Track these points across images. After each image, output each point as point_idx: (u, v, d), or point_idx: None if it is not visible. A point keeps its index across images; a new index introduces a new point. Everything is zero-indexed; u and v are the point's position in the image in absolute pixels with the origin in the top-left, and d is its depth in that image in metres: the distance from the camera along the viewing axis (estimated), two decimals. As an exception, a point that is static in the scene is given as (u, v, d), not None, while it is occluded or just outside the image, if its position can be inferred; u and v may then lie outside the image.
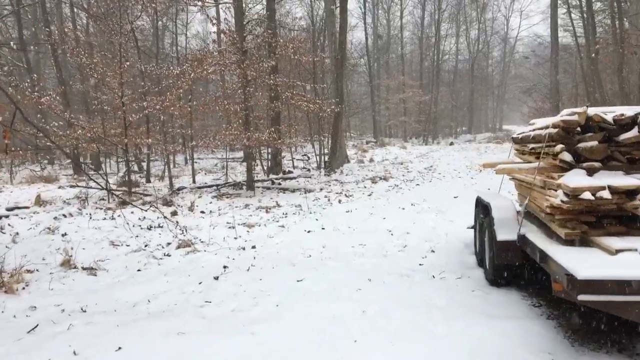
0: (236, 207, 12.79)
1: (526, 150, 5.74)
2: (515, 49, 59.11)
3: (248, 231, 9.38)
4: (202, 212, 11.95)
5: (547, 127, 4.94)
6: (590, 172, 4.44)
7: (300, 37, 15.85)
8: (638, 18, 19.62)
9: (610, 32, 23.77)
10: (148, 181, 20.04)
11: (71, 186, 17.98)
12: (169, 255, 7.65)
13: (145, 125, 18.49)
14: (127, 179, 15.35)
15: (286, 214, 11.27)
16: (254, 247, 7.87)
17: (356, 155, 28.53)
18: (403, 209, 11.12)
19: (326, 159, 21.26)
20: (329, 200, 13.19)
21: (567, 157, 4.53)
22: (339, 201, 12.89)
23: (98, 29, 21.61)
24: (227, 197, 14.56)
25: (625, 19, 18.47)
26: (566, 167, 4.57)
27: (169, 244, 8.48)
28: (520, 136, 5.97)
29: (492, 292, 5.05)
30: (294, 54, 14.70)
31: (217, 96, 14.90)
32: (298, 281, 5.73)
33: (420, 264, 6.32)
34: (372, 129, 46.37)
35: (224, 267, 6.61)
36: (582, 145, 4.54)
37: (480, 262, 6.02)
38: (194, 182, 18.92)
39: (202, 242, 8.63)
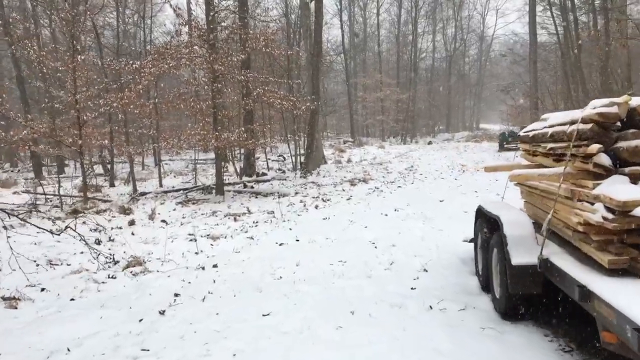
0: (202, 214, 11.60)
1: (539, 151, 4.73)
2: (492, 47, 58.87)
3: (212, 244, 8.22)
4: (164, 221, 10.73)
5: (573, 123, 3.93)
6: (636, 179, 3.45)
7: (272, 29, 14.67)
8: (622, 11, 19.04)
9: (589, 27, 23.29)
10: (112, 185, 18.66)
11: (25, 191, 16.54)
12: (114, 278, 6.45)
13: (108, 125, 17.14)
14: (83, 183, 13.98)
15: (257, 222, 10.13)
16: (215, 265, 6.72)
17: (333, 155, 27.50)
18: (386, 215, 10.08)
19: (302, 159, 20.16)
20: (304, 205, 12.09)
21: (604, 160, 3.52)
22: (316, 207, 11.80)
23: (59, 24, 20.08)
24: (194, 203, 13.34)
25: (609, 13, 17.82)
26: (601, 173, 3.57)
27: (116, 262, 7.27)
28: (530, 134, 4.95)
29: (506, 330, 4.02)
30: (265, 47, 13.53)
31: (182, 93, 13.64)
32: (264, 315, 4.61)
33: (412, 288, 5.26)
34: (349, 128, 45.40)
35: (176, 295, 5.45)
36: (623, 144, 3.54)
37: (486, 287, 5.00)
38: (160, 185, 17.63)
39: (157, 259, 7.45)
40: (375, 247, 7.30)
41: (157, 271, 6.70)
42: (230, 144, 13.48)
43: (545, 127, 4.61)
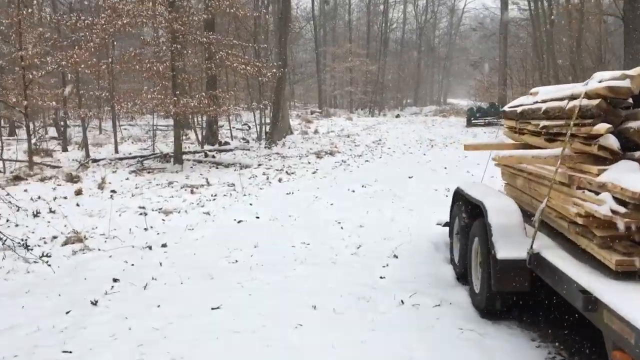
0: (157, 184, 10.82)
1: (528, 129, 4.22)
2: (462, 20, 58.41)
3: (164, 220, 7.53)
4: (114, 191, 9.92)
5: (573, 98, 3.41)
6: (648, 165, 2.97)
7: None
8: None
9: (563, 2, 23.02)
10: (65, 150, 17.49)
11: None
12: (49, 256, 5.71)
13: (62, 86, 15.93)
14: (29, 147, 12.92)
15: (215, 195, 9.44)
16: (164, 245, 6.06)
17: (300, 125, 26.75)
18: (353, 191, 9.55)
19: (267, 129, 19.38)
20: (267, 178, 11.44)
21: (612, 142, 3.01)
22: (279, 180, 11.17)
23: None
24: (149, 172, 12.50)
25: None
26: (606, 157, 3.08)
27: (54, 237, 6.52)
28: (518, 109, 4.43)
29: (487, 332, 3.55)
30: (230, 7, 12.59)
31: (138, 53, 12.61)
32: (213, 309, 4.01)
33: (381, 277, 4.75)
34: (317, 98, 44.53)
35: (114, 280, 4.79)
36: (633, 124, 3.04)
37: (462, 277, 4.53)
38: (116, 152, 16.60)
39: (101, 235, 6.73)
40: (342, 228, 6.77)
41: (99, 249, 6.00)
42: (190, 110, 12.62)
43: (536, 102, 4.08)
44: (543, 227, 3.65)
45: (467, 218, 4.46)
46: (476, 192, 4.29)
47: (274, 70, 13.51)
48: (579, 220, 3.10)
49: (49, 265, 5.35)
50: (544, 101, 3.96)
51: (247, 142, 19.24)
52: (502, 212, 3.73)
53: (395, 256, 5.37)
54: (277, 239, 6.23)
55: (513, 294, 3.64)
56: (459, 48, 60.41)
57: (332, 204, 8.36)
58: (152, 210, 8.07)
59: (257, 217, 7.51)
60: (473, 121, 28.47)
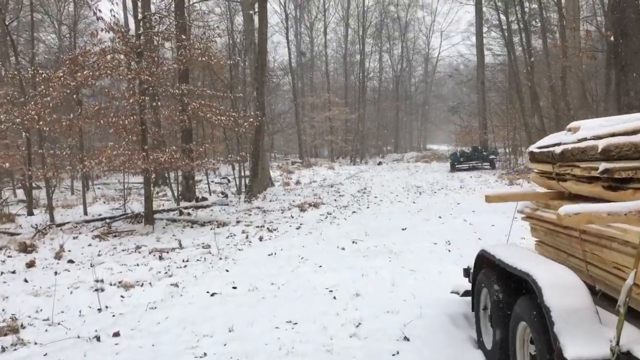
0: (123, 250, 9.64)
1: (574, 174, 3.28)
2: (437, 68, 59.32)
3: (123, 296, 6.34)
4: (71, 261, 8.70)
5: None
6: None
7: (211, 34, 13.00)
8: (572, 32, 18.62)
9: (526, 51, 23.09)
10: (30, 214, 16.15)
11: None
12: (-34, 359, 4.50)
13: (27, 146, 14.82)
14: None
15: (187, 261, 8.29)
16: (116, 334, 4.88)
17: (281, 177, 25.86)
18: (343, 249, 8.50)
19: (247, 182, 18.38)
20: (246, 237, 10.34)
21: None
22: (260, 238, 10.08)
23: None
24: (116, 236, 11.30)
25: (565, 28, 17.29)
26: None
27: (-17, 328, 5.29)
28: (557, 149, 3.49)
29: None
30: (202, 56, 11.83)
31: (103, 107, 11.68)
32: None
33: (393, 374, 3.66)
34: (297, 149, 43.97)
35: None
36: None
37: (500, 369, 3.45)
38: (85, 213, 15.35)
39: (43, 321, 5.52)
40: (334, 298, 5.67)
41: (35, 343, 4.80)
42: (161, 166, 11.59)
43: (584, 140, 3.16)
44: (627, 313, 2.64)
45: (504, 293, 3.44)
46: (515, 258, 3.28)
47: (251, 119, 12.66)
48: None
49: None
50: (596, 137, 3.04)
51: (226, 196, 18.18)
52: (563, 289, 2.71)
53: (406, 338, 4.28)
54: (257, 318, 5.10)
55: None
56: (435, 95, 61.16)
57: (320, 266, 7.28)
58: (111, 284, 6.87)
59: (234, 288, 6.38)
60: (457, 166, 27.96)
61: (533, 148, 3.98)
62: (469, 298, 4.33)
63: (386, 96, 53.54)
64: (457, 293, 4.73)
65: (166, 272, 7.49)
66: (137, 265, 8.17)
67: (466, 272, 4.77)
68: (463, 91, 50.61)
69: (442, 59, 58.40)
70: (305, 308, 5.35)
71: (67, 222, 13.07)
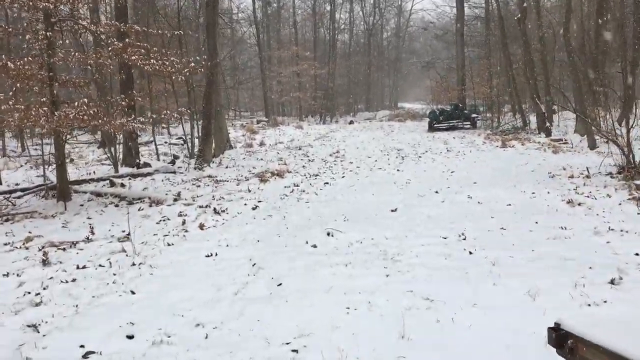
0: (5, 244, 6.84)
1: None
2: (410, 22, 56.17)
3: None
4: None
5: None
6: None
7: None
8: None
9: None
10: None
11: None
12: None
13: None
14: None
15: (83, 267, 5.58)
16: None
17: (244, 137, 22.99)
18: (314, 247, 5.92)
19: (199, 145, 15.50)
20: (183, 222, 7.65)
21: None
22: (201, 226, 7.39)
23: None
24: (8, 219, 8.44)
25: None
26: None
27: None
28: None
29: None
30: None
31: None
32: None
33: None
34: (263, 106, 40.76)
35: None
36: None
37: None
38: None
39: None
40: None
41: None
42: (69, 124, 8.64)
43: None
44: None
45: None
46: None
47: (192, 64, 9.70)
48: None
49: None
50: None
51: (173, 162, 15.29)
52: None
53: None
54: None
55: None
56: (408, 50, 58.15)
57: (280, 284, 4.69)
58: None
59: (129, 338, 3.74)
60: (435, 125, 25.53)
61: None
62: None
63: (357, 51, 50.31)
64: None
65: (37, 294, 4.78)
66: (6, 275, 5.42)
67: (557, 338, 2.24)
68: (437, 46, 47.83)
69: (415, 12, 55.46)
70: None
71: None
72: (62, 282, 5.13)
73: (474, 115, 26.05)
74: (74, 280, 5.15)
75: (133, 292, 4.69)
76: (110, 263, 5.69)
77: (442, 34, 41.98)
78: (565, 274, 4.42)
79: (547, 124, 18.13)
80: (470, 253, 5.28)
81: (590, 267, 4.56)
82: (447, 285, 4.33)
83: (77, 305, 4.42)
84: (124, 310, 4.26)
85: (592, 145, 13.66)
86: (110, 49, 9.07)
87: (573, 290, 4.05)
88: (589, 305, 3.76)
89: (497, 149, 15.68)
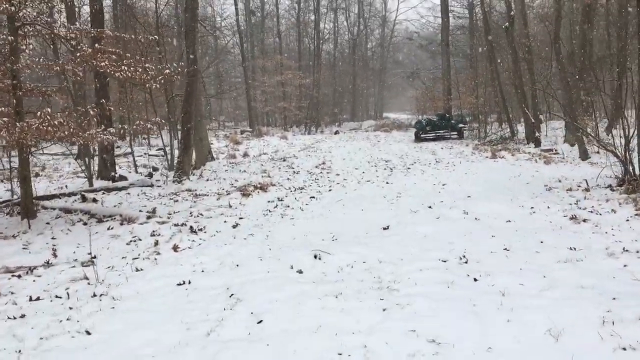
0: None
1: None
2: (394, 32, 56.08)
3: None
4: None
5: None
6: None
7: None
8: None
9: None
10: None
11: None
12: None
13: None
14: None
15: (37, 299, 4.90)
16: None
17: (227, 148, 22.32)
18: (300, 272, 5.31)
19: (178, 156, 14.79)
20: (156, 244, 6.98)
21: None
22: (175, 248, 6.72)
23: None
24: (-37, 241, 7.69)
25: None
26: None
27: None
28: None
29: None
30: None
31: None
32: None
33: None
34: (247, 116, 40.10)
35: None
36: None
37: None
38: (-42, 198, 11.53)
39: None
40: None
41: None
42: (33, 135, 7.95)
43: None
44: None
45: None
46: None
47: (167, 71, 9.06)
48: None
49: None
50: None
51: (151, 175, 14.57)
52: None
53: None
54: None
55: None
56: (392, 60, 58.03)
57: (260, 322, 4.06)
58: None
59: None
60: (422, 135, 25.11)
61: None
62: None
63: (343, 59, 50.01)
64: None
65: (-24, 337, 4.09)
66: (-56, 311, 4.71)
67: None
68: (421, 56, 47.70)
69: (399, 23, 55.23)
70: None
71: None
72: (8, 318, 4.44)
73: (460, 125, 25.71)
74: (22, 316, 4.47)
75: (89, 333, 4.02)
76: (68, 294, 5.01)
77: (426, 43, 41.85)
78: (587, 307, 3.87)
79: (537, 134, 17.78)
80: (475, 280, 4.71)
81: (614, 298, 4.01)
82: (454, 322, 3.74)
83: (20, 351, 3.74)
84: (76, 356, 3.59)
85: (584, 156, 13.26)
86: (78, 54, 8.41)
87: (601, 328, 3.50)
88: (624, 349, 3.20)
89: (487, 160, 15.23)
